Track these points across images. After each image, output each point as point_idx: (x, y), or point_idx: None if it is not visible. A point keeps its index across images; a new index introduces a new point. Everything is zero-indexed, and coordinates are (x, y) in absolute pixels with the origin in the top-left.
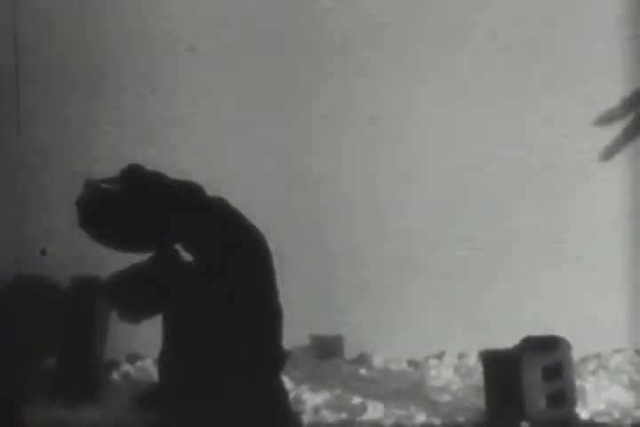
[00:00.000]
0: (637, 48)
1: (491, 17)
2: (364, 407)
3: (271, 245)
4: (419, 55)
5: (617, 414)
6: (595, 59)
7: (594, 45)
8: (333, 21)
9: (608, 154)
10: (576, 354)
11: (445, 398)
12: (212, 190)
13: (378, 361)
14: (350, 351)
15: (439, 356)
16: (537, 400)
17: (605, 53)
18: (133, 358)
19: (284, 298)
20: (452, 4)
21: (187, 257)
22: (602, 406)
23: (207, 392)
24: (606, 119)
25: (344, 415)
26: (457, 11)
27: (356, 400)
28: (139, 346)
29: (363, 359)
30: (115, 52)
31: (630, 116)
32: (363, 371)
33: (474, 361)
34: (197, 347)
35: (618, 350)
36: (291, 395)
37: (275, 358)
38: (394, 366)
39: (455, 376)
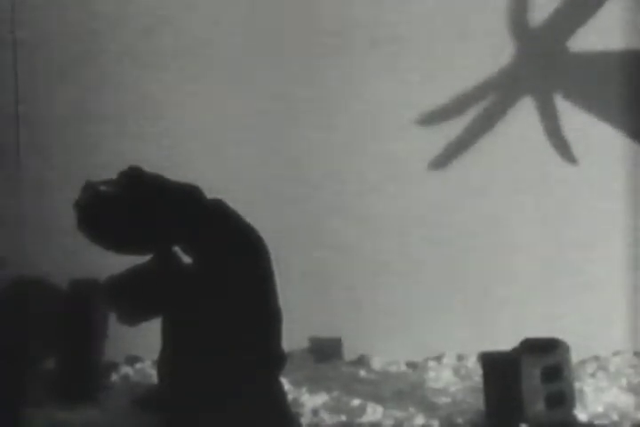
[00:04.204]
0: None
1: None
2: (363, 409)
3: (270, 248)
4: None
5: (616, 417)
6: None
7: None
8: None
9: (441, 161)
10: (575, 356)
11: (444, 399)
12: (210, 192)
13: (377, 363)
14: (349, 353)
15: (438, 358)
16: (536, 402)
17: None
18: (132, 360)
19: (283, 300)
20: None
21: (186, 259)
22: (601, 409)
23: (206, 394)
24: (432, 119)
25: (343, 417)
26: None
27: (355, 402)
28: (138, 348)
29: (362, 361)
30: (115, 51)
31: (468, 117)
32: (362, 373)
33: (473, 363)
34: (196, 349)
35: (617, 353)
36: (289, 397)
37: (274, 360)
38: (393, 368)
39: (454, 378)
